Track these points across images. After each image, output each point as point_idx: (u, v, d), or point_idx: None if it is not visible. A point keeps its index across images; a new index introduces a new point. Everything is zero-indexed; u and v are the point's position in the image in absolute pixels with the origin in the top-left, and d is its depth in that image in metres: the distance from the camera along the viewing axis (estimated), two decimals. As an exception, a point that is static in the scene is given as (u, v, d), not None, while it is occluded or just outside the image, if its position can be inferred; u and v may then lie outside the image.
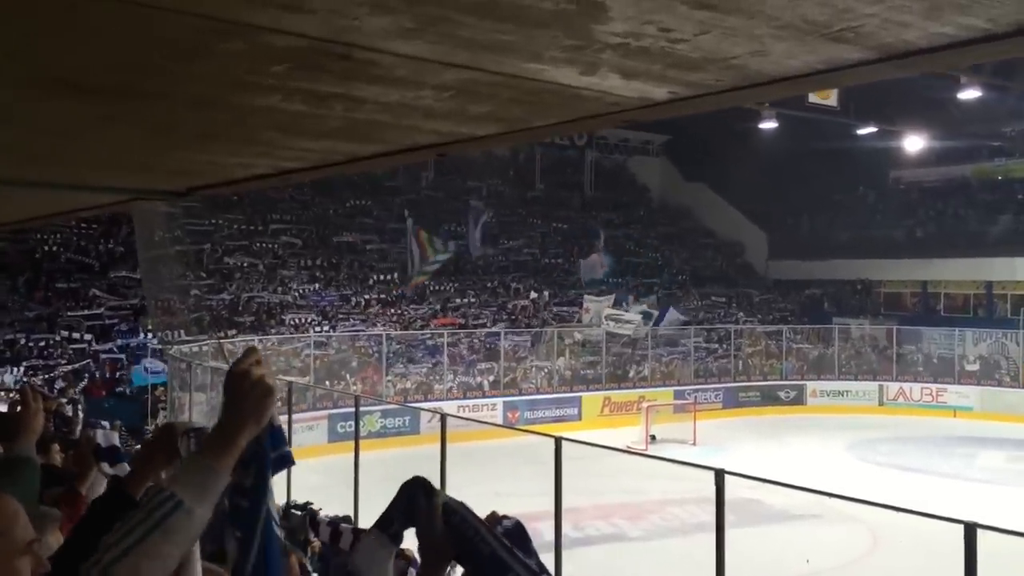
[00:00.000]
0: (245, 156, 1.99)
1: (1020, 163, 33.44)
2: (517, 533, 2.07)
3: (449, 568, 2.11)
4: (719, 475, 6.80)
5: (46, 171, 2.27)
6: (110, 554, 1.47)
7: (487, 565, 1.84)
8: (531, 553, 2.04)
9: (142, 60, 1.32)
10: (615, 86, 1.45)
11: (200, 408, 18.42)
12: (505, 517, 2.12)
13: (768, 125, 28.66)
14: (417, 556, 2.05)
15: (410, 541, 2.02)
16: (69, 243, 23.09)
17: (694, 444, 22.58)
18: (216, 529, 1.67)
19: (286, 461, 1.77)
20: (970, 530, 5.29)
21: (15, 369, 19.30)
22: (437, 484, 2.06)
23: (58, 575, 1.73)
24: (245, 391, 1.60)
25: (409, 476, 1.94)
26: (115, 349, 21.10)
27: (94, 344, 20.89)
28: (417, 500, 1.93)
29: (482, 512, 1.97)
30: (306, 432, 20.56)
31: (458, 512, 1.91)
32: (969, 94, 25.20)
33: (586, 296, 28.44)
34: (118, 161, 2.11)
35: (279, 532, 1.79)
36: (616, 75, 1.38)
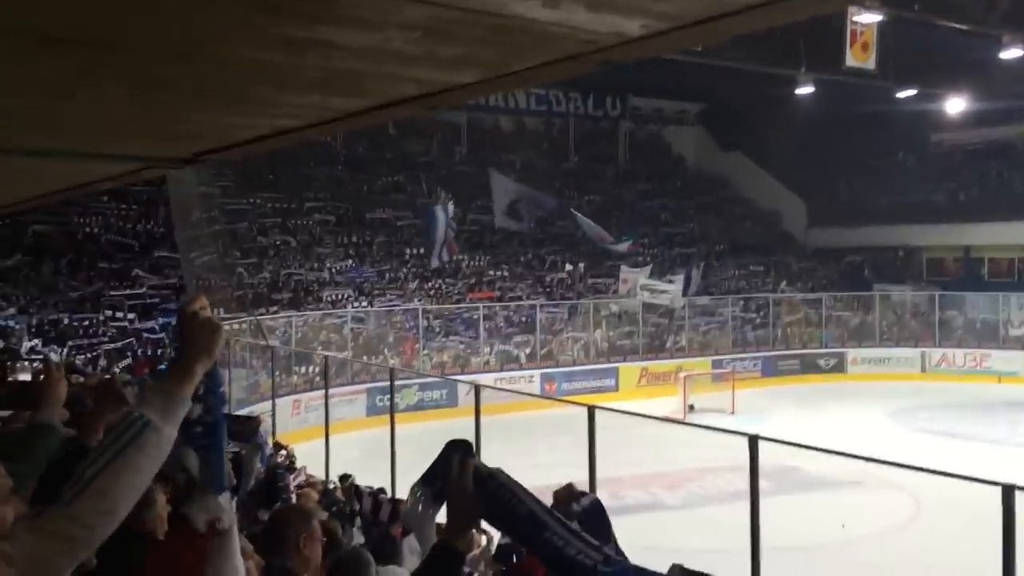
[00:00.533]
0: (240, 115, 2.01)
1: (1065, 123, 32.62)
2: (594, 512, 2.01)
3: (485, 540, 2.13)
4: (753, 441, 6.79)
5: (42, 138, 2.31)
6: (90, 470, 1.63)
7: (522, 524, 1.78)
8: (608, 538, 1.94)
9: (103, 7, 1.33)
10: (584, 20, 1.42)
11: (240, 384, 18.71)
12: (584, 494, 2.07)
13: (805, 91, 28.17)
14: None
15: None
16: (110, 225, 23.45)
17: (732, 413, 22.49)
18: (171, 455, 1.83)
19: (222, 399, 2.10)
20: (1008, 492, 5.23)
21: (61, 349, 19.71)
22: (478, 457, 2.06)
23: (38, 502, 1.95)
24: (197, 329, 1.83)
25: (509, 477, 1.88)
26: (156, 328, 21.43)
27: (136, 323, 21.24)
28: (451, 459, 1.91)
29: (528, 484, 1.94)
30: (345, 406, 20.82)
31: (492, 475, 1.86)
32: (1012, 53, 24.58)
33: (623, 267, 28.29)
34: (113, 125, 2.13)
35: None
36: (581, 7, 1.36)
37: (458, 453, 1.90)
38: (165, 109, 1.95)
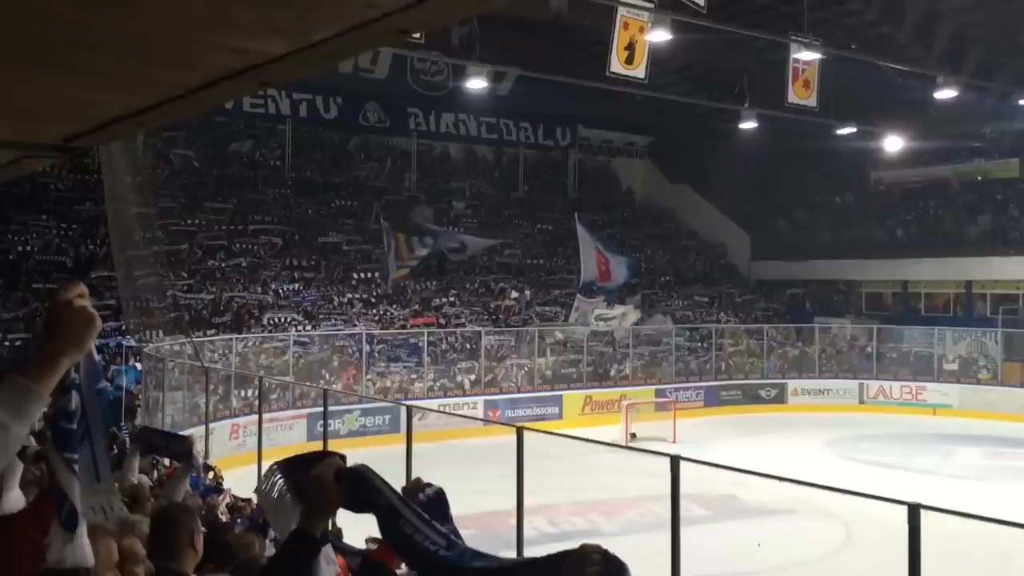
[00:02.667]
0: (83, 89, 2.02)
1: (999, 164, 33.67)
2: (437, 501, 2.14)
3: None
4: (674, 461, 6.85)
5: None
6: None
7: (380, 513, 1.90)
8: (448, 520, 2.09)
9: None
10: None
11: (176, 407, 18.41)
12: (428, 485, 2.19)
13: (748, 126, 28.77)
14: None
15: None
16: (47, 245, 23.05)
17: (674, 442, 22.62)
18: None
19: (103, 393, 1.94)
20: (913, 511, 5.35)
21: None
22: (408, 480, 2.18)
23: None
24: (68, 319, 1.68)
25: (387, 474, 2.01)
26: (92, 349, 21.01)
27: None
28: (323, 461, 1.98)
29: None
30: (285, 431, 20.58)
31: (355, 470, 1.96)
32: (945, 94, 25.35)
33: (578, 296, 28.42)
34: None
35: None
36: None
37: (332, 459, 1.98)
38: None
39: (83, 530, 1.92)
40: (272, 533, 7.97)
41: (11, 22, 1.57)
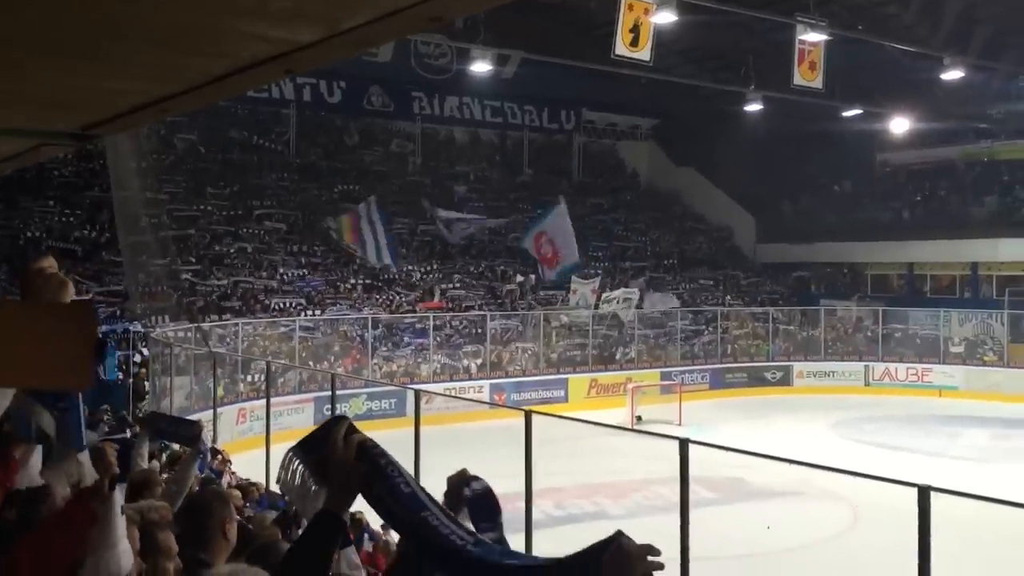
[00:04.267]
0: (106, 77, 2.01)
1: (1005, 145, 33.51)
2: (484, 497, 2.04)
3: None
4: (683, 444, 6.87)
5: None
6: None
7: (404, 500, 1.79)
8: (496, 525, 1.98)
9: None
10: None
11: (183, 391, 18.47)
12: (475, 478, 2.09)
13: (754, 108, 28.66)
14: (368, 521, 2.09)
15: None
16: (52, 230, 23.08)
17: (679, 424, 22.66)
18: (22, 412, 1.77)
19: (103, 344, 1.96)
20: (923, 493, 5.36)
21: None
22: (417, 463, 2.10)
23: None
24: (43, 283, 1.83)
25: (394, 458, 1.91)
26: (100, 335, 21.06)
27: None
28: (333, 431, 1.92)
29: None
30: (292, 415, 20.64)
31: (378, 449, 1.88)
32: (952, 75, 25.23)
33: (574, 278, 28.50)
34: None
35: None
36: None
37: (340, 426, 1.92)
38: (12, 68, 1.92)
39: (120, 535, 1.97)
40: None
41: (39, 11, 1.57)
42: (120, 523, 2.06)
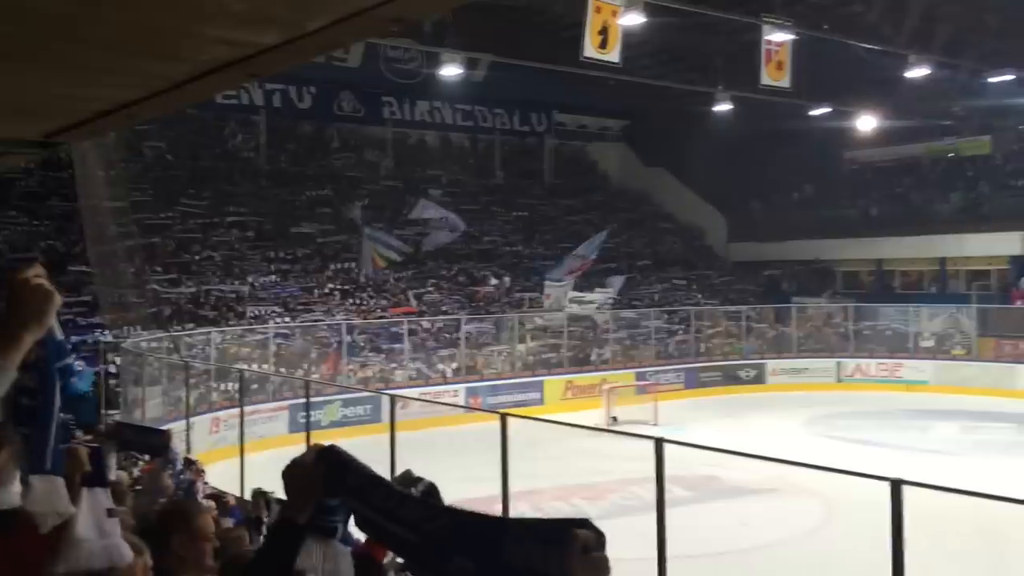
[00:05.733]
0: (68, 84, 1.99)
1: (969, 141, 34.02)
2: (430, 494, 2.04)
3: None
4: (659, 444, 6.90)
5: None
6: None
7: (367, 485, 1.77)
8: None
9: None
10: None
11: (155, 402, 18.29)
12: (419, 480, 2.10)
13: (723, 108, 28.87)
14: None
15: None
16: (17, 240, 22.78)
17: (655, 424, 22.74)
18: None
19: (69, 371, 1.95)
20: (896, 487, 5.42)
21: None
22: (393, 469, 2.08)
23: None
24: (27, 295, 1.74)
25: (371, 464, 1.87)
26: (68, 347, 20.80)
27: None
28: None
29: (455, 497, 1.92)
30: (267, 423, 20.51)
31: (334, 450, 1.85)
32: (917, 72, 25.55)
33: (547, 281, 28.57)
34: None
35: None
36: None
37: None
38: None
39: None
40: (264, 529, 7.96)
41: (10, 21, 1.55)
42: (88, 520, 2.02)
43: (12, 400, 1.83)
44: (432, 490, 2.06)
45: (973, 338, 28.98)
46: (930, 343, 29.60)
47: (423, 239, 28.35)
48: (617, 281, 28.95)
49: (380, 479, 1.81)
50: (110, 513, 2.08)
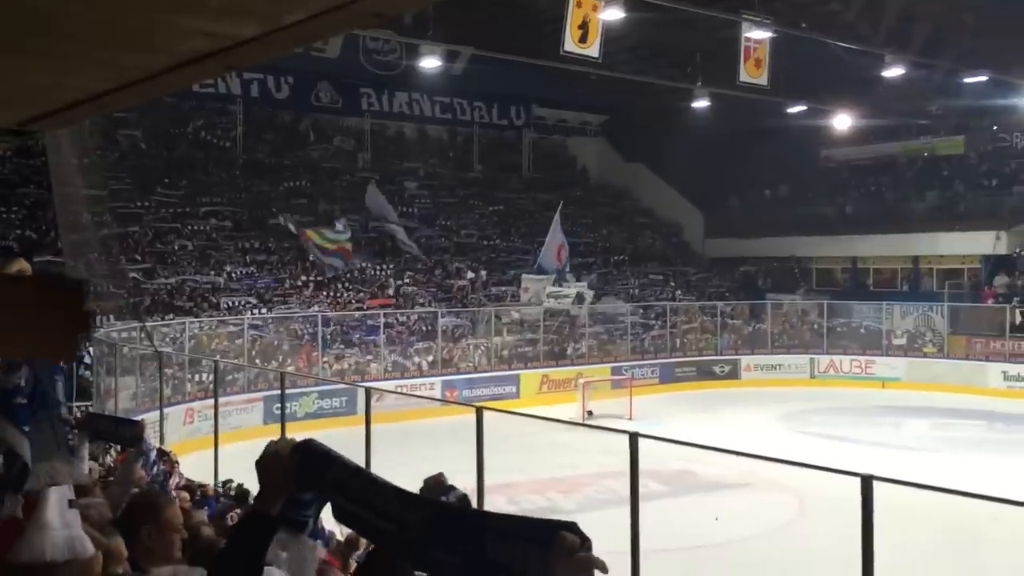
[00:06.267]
0: (42, 73, 1.97)
1: (944, 141, 34.35)
2: (464, 503, 1.95)
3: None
4: (633, 438, 6.92)
5: None
6: None
7: (346, 477, 1.73)
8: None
9: None
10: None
11: (128, 392, 18.15)
12: (452, 488, 2.01)
13: (701, 104, 28.97)
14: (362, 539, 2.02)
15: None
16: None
17: (630, 419, 22.83)
18: None
19: (58, 369, 1.92)
20: (866, 482, 5.47)
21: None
22: (368, 461, 2.01)
23: None
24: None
25: (344, 455, 1.82)
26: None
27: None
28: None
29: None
30: (241, 414, 20.42)
31: (311, 444, 1.81)
32: (893, 72, 25.74)
33: (524, 276, 28.59)
34: None
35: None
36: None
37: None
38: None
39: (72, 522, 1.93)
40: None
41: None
42: (51, 508, 2.00)
43: (4, 399, 1.82)
44: (466, 500, 1.98)
45: (945, 336, 29.30)
46: (902, 341, 29.89)
47: (391, 236, 28.45)
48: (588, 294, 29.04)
49: (360, 469, 1.78)
50: (71, 504, 2.06)
